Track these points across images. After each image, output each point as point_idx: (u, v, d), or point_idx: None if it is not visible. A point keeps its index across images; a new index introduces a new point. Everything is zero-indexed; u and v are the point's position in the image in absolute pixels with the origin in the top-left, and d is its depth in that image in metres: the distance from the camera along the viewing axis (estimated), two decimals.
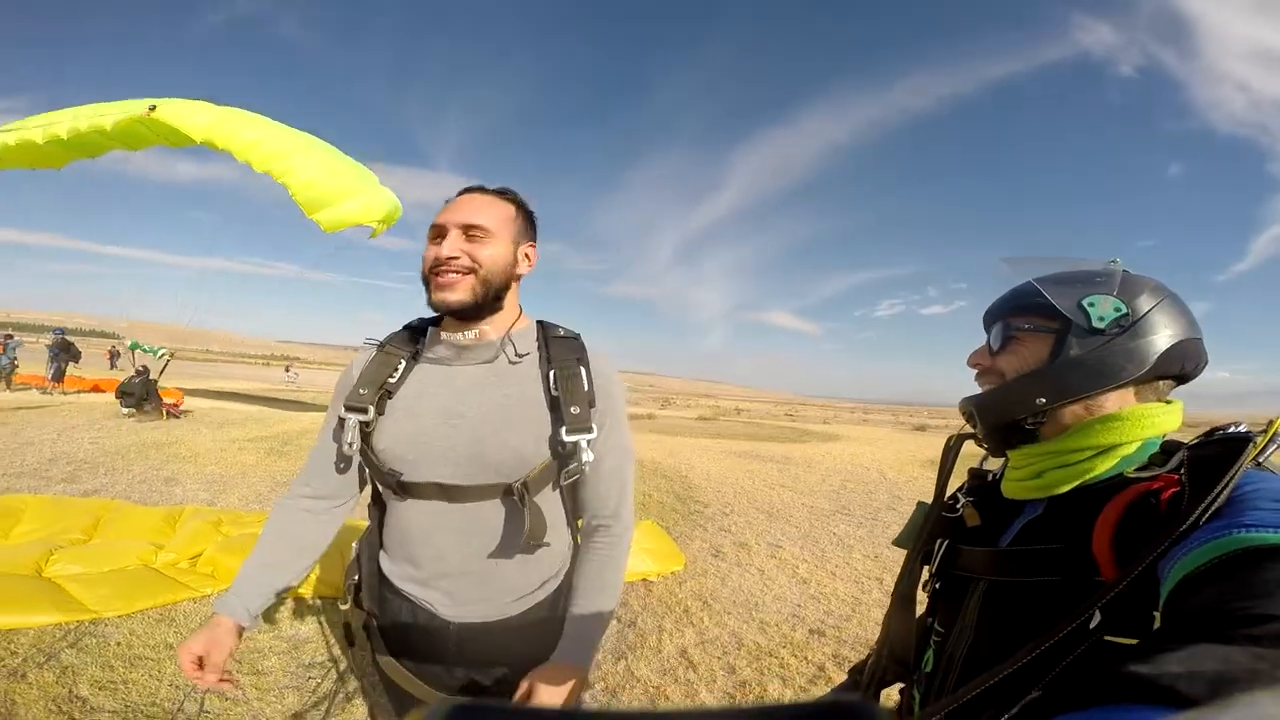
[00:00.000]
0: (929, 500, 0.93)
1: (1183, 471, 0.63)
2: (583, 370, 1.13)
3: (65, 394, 13.98)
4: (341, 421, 1.13)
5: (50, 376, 14.42)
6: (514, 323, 1.17)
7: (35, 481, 5.47)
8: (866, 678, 0.98)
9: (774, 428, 22.04)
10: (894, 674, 0.95)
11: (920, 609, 0.94)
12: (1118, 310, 0.75)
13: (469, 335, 1.13)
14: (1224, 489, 0.55)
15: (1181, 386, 0.79)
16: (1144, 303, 0.75)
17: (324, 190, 4.22)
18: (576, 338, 1.20)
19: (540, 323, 1.22)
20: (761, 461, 10.74)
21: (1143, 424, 0.72)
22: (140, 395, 10.29)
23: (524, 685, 1.00)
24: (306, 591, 3.12)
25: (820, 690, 2.62)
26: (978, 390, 0.87)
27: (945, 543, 0.88)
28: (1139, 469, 0.70)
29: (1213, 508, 0.55)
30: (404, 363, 1.15)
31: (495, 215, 1.12)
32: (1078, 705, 0.40)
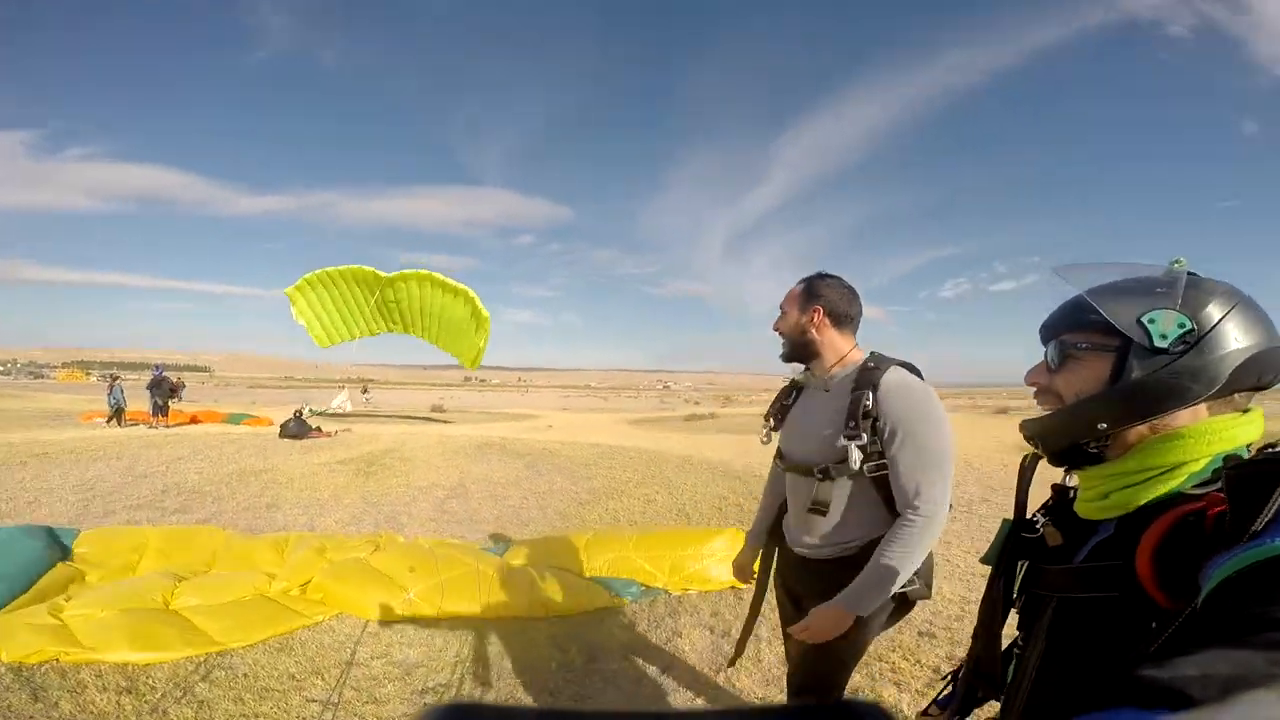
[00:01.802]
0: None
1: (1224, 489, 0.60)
2: (869, 393, 1.49)
3: (169, 428, 15.04)
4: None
5: (151, 412, 15.35)
6: (837, 362, 1.64)
7: (152, 513, 5.91)
8: (960, 690, 1.02)
9: None
10: (983, 689, 0.97)
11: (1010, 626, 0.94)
12: (1181, 326, 0.69)
13: (802, 373, 1.76)
14: (1273, 508, 0.52)
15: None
16: (1211, 314, 0.70)
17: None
18: (876, 368, 1.54)
19: (867, 358, 1.61)
20: None
21: (1211, 440, 0.69)
22: (295, 433, 12.31)
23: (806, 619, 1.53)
24: (430, 610, 3.22)
25: (889, 694, 2.50)
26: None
27: (1026, 564, 0.87)
28: (1201, 484, 0.68)
29: (1257, 527, 0.52)
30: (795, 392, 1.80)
31: (788, 296, 1.71)
32: (1088, 708, 0.40)
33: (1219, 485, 0.63)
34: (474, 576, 3.61)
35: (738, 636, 2.95)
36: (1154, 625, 0.63)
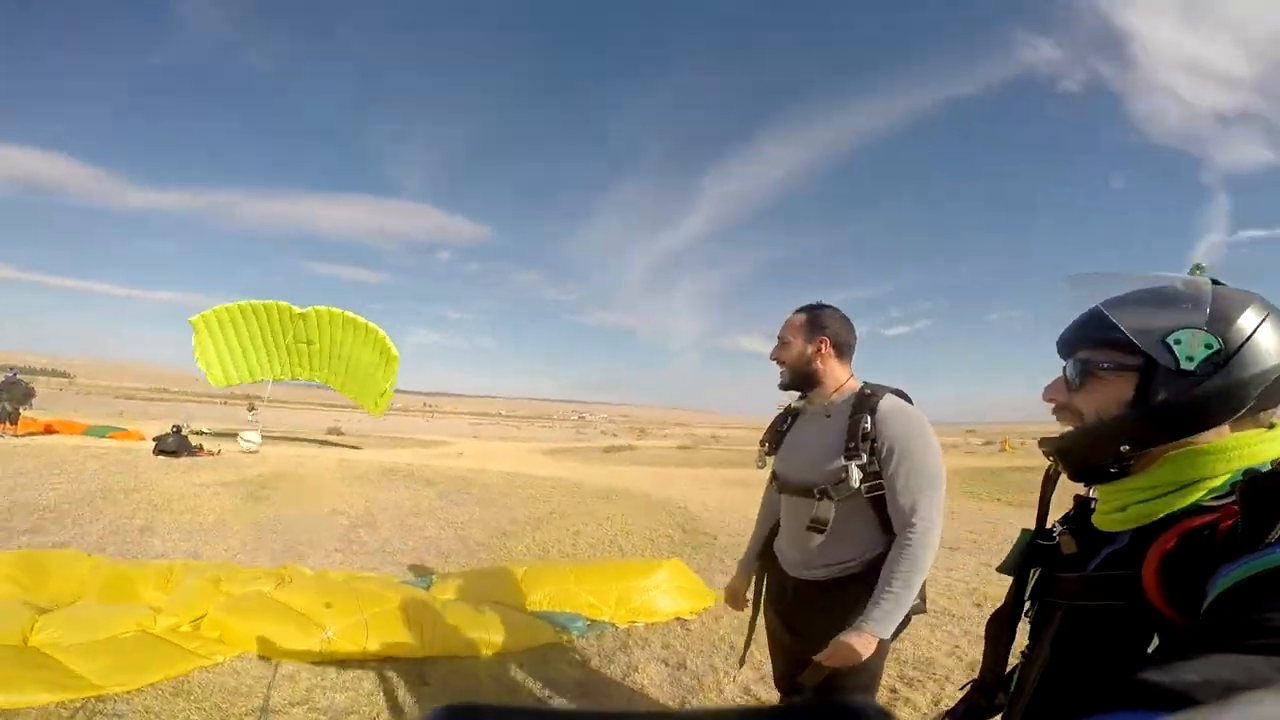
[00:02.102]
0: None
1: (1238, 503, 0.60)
2: (867, 417, 1.55)
3: (18, 437, 13.04)
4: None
5: None
6: (835, 389, 1.68)
7: None
8: (966, 701, 1.01)
9: (754, 453, 22.04)
10: (984, 701, 0.95)
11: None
12: (1209, 347, 0.67)
13: (798, 400, 1.79)
14: None
15: None
16: (1239, 331, 0.67)
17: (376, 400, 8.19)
18: (873, 395, 1.60)
19: (863, 386, 1.68)
20: (753, 488, 10.63)
21: (1232, 457, 0.67)
22: (172, 449, 10.92)
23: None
24: (353, 650, 2.87)
25: (904, 714, 2.51)
26: (1049, 420, 0.84)
27: (1039, 571, 0.87)
28: (1218, 497, 0.66)
29: (1271, 539, 0.52)
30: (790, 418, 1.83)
31: (789, 325, 1.73)
32: (1089, 711, 0.40)
33: (1234, 498, 0.62)
34: (401, 613, 3.28)
35: (695, 669, 2.88)
36: (1157, 636, 0.62)
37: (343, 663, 2.89)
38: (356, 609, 3.24)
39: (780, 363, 1.73)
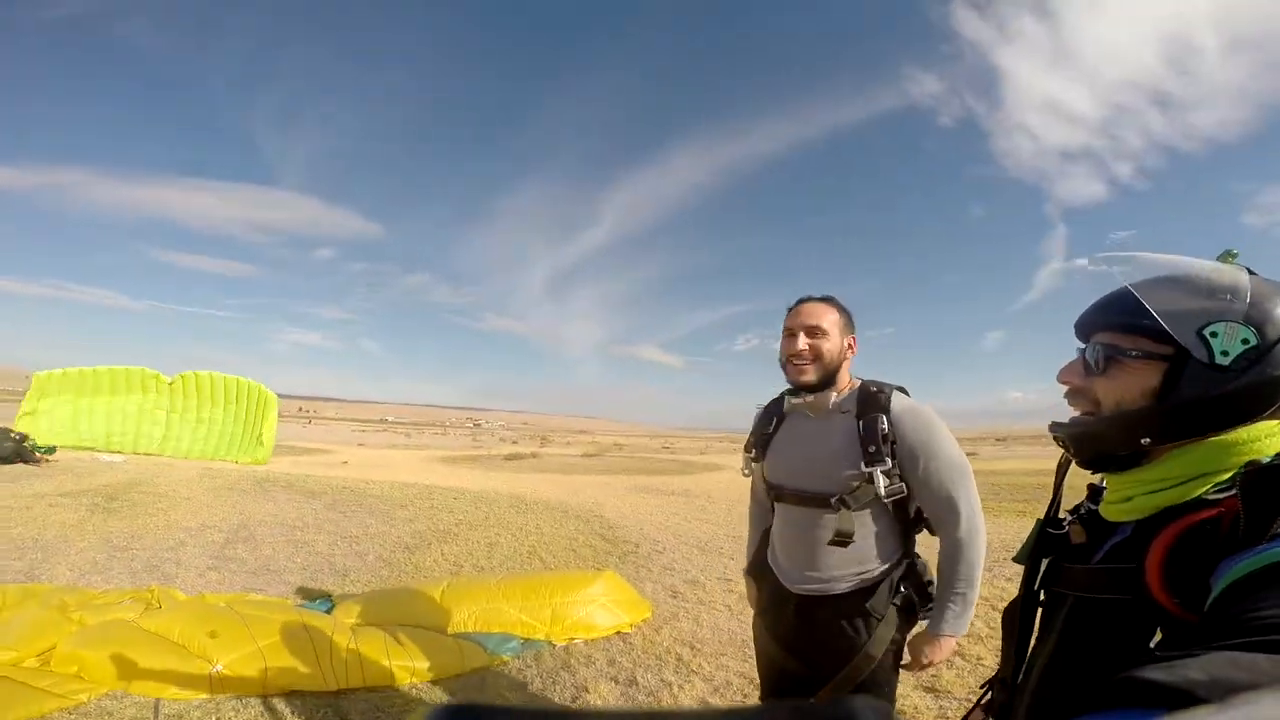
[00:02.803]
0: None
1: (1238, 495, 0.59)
2: (882, 417, 1.44)
3: None
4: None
5: None
6: (838, 390, 1.53)
7: None
8: (987, 693, 1.02)
9: (658, 461, 22.24)
10: (998, 691, 0.94)
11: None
12: (1246, 342, 0.64)
13: (799, 400, 1.56)
14: None
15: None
16: (1277, 326, 0.64)
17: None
18: (880, 392, 1.48)
19: (864, 383, 1.54)
20: (663, 495, 10.66)
21: (1242, 450, 0.65)
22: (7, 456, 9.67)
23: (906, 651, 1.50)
24: (249, 686, 2.43)
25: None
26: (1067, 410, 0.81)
27: (1049, 560, 0.85)
28: (1221, 489, 0.65)
29: (1271, 532, 0.52)
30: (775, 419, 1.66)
31: (822, 316, 1.52)
32: (1090, 708, 0.39)
33: (1235, 491, 0.60)
34: (303, 640, 2.85)
35: (648, 685, 2.71)
36: (1160, 631, 0.62)
37: (240, 699, 2.46)
38: (247, 637, 2.79)
39: (814, 358, 1.50)
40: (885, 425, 1.42)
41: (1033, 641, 0.88)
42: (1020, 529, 7.01)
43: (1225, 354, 0.64)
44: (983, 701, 1.06)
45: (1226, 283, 0.66)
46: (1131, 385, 0.71)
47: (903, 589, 1.49)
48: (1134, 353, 0.70)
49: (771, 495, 1.63)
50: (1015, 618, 0.89)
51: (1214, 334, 0.64)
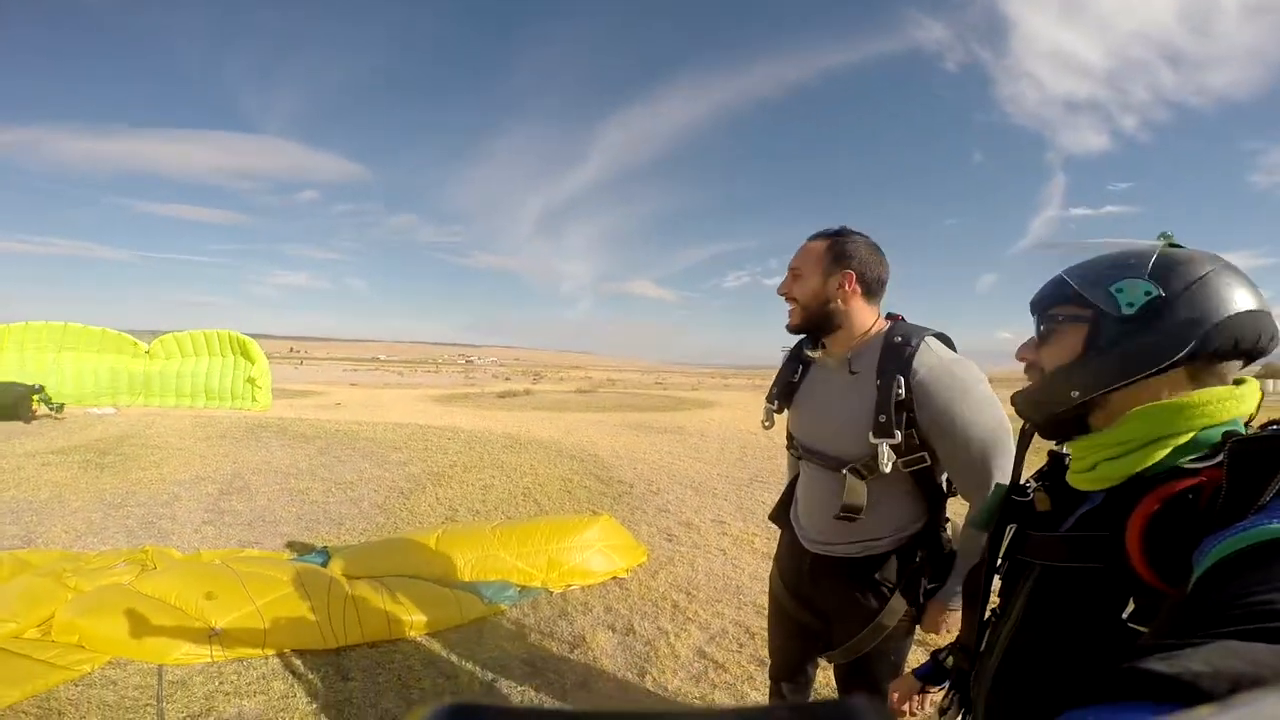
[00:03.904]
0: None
1: (1224, 465, 0.59)
2: (900, 380, 1.27)
3: None
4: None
5: None
6: (860, 337, 1.38)
7: None
8: (942, 660, 1.09)
9: (651, 397, 22.42)
10: (961, 659, 0.97)
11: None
12: (1148, 294, 0.70)
13: (816, 352, 1.46)
14: (1276, 487, 0.52)
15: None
16: (1179, 281, 0.70)
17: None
18: (906, 343, 1.30)
19: (890, 329, 1.36)
20: (657, 433, 10.78)
21: (1192, 414, 0.68)
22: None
23: None
24: (250, 648, 2.41)
25: None
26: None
27: (1014, 527, 0.87)
28: (1197, 458, 0.67)
29: (1263, 502, 0.52)
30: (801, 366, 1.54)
31: (804, 254, 1.41)
32: (1090, 700, 0.38)
33: (1218, 461, 0.63)
34: (300, 597, 2.87)
35: (645, 633, 2.77)
36: (1133, 601, 0.64)
37: (241, 661, 2.49)
38: (243, 598, 2.80)
39: (790, 299, 1.41)
40: (902, 389, 1.26)
41: (987, 610, 0.92)
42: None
43: (1130, 305, 0.71)
44: (941, 657, 1.11)
45: (1137, 251, 0.75)
46: (1064, 347, 0.78)
47: (918, 559, 1.40)
48: (1062, 318, 0.78)
49: (792, 450, 1.54)
50: (980, 585, 0.91)
51: (1119, 290, 0.72)
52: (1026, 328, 0.86)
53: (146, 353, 11.80)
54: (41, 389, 10.14)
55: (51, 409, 10.14)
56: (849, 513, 1.33)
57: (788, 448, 1.60)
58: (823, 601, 1.50)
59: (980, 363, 1.37)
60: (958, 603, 1.34)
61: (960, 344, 1.42)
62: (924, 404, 1.27)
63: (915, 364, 1.28)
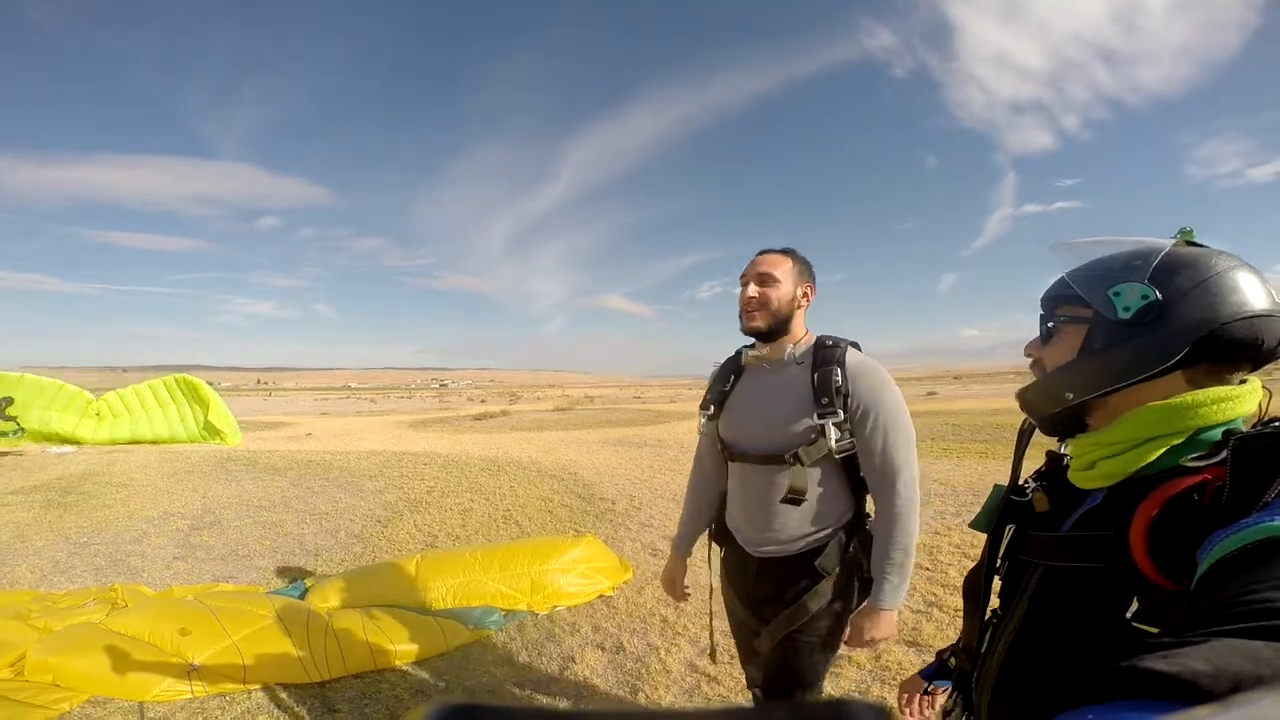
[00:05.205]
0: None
1: (1227, 463, 0.59)
2: (837, 370, 1.44)
3: None
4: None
5: None
6: (797, 341, 1.54)
7: None
8: (944, 661, 1.09)
9: (630, 412, 22.40)
10: (962, 661, 0.96)
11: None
12: (1145, 298, 0.70)
13: (762, 350, 1.56)
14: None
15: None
16: (1179, 285, 0.69)
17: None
18: (836, 346, 1.49)
19: (820, 336, 1.55)
20: (637, 448, 10.77)
21: (1194, 414, 0.67)
22: None
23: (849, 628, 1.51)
24: (229, 683, 2.33)
25: (868, 671, 2.57)
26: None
27: (1014, 528, 0.87)
28: (1199, 457, 0.66)
29: (1267, 499, 0.52)
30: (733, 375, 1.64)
31: (775, 264, 1.53)
32: (1091, 699, 0.38)
33: (1220, 459, 0.62)
34: (280, 631, 2.80)
35: (635, 650, 2.77)
36: (1137, 600, 0.63)
37: (224, 696, 2.42)
38: (221, 632, 2.73)
39: (761, 305, 1.50)
40: (839, 378, 1.43)
41: (988, 611, 0.91)
42: (983, 471, 7.28)
43: (1127, 309, 0.70)
44: (945, 657, 1.11)
45: (1140, 252, 0.73)
46: (1063, 348, 0.79)
47: (851, 549, 1.50)
48: (1063, 318, 0.79)
49: (725, 454, 1.62)
50: (979, 585, 0.91)
51: (1118, 293, 0.72)
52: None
53: (96, 414, 11.10)
54: (11, 401, 9.65)
55: (14, 434, 9.69)
56: (795, 494, 1.44)
57: (721, 456, 1.66)
58: (771, 604, 1.55)
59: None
60: (890, 602, 1.43)
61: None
62: (854, 392, 1.43)
63: (847, 360, 1.46)
